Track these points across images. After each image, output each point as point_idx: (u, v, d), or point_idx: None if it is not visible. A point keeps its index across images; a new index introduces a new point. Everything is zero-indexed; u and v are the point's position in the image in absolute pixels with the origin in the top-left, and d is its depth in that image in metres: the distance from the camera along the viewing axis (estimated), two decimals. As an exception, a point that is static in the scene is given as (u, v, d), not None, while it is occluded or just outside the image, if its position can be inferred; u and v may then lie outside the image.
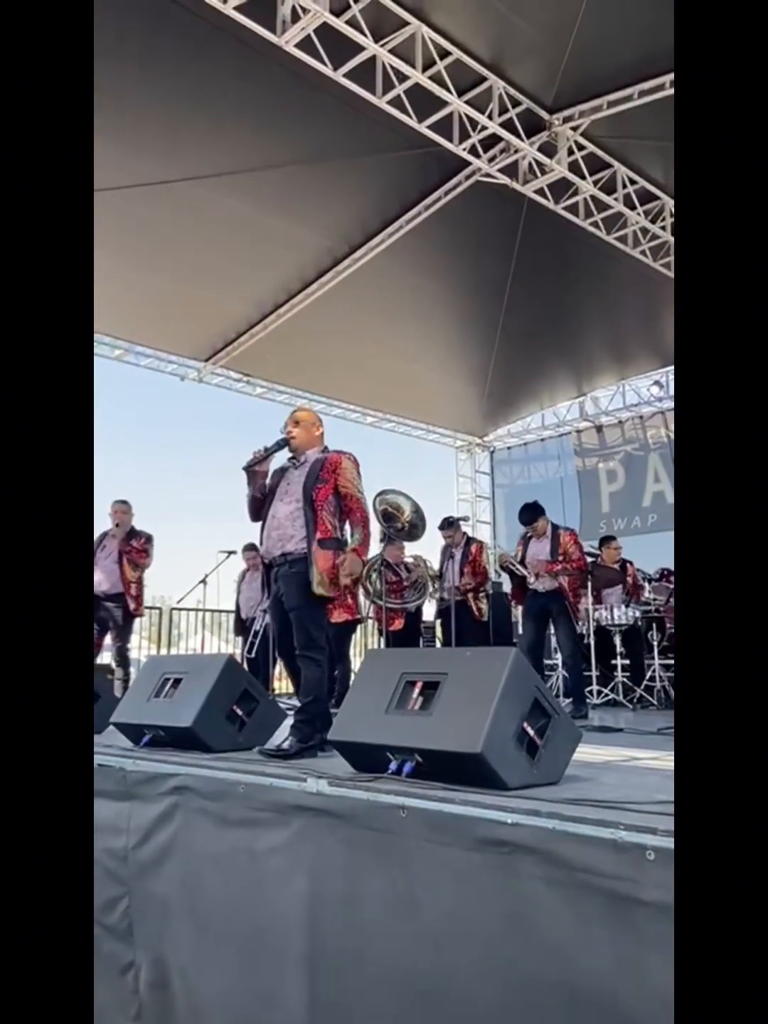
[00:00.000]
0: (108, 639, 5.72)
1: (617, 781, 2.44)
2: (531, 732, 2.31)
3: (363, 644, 9.05)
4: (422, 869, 1.97)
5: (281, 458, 3.60)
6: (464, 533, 6.58)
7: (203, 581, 7.20)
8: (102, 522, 5.86)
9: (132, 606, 5.67)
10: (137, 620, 6.02)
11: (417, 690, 2.49)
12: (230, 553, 7.08)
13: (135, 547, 5.71)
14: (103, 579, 5.57)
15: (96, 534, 5.76)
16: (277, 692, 7.28)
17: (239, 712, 3.25)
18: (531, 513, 5.59)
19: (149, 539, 5.80)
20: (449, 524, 6.44)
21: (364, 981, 2.03)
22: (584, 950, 1.65)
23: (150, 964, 2.68)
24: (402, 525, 5.98)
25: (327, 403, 10.58)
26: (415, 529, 6.01)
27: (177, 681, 3.40)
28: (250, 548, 6.85)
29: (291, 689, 7.63)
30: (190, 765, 2.76)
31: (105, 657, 5.97)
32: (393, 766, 2.33)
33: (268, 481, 3.55)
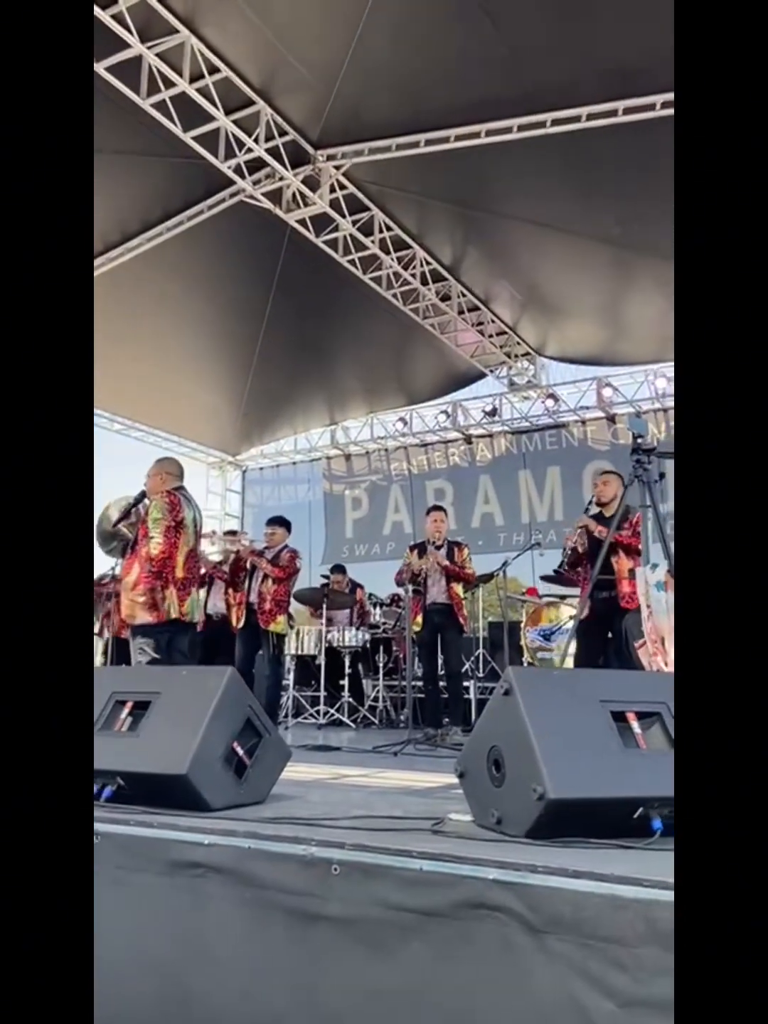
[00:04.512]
0: None
1: (321, 798, 2.52)
2: (241, 752, 2.31)
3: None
4: (106, 899, 1.88)
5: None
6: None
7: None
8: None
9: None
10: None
11: (127, 710, 2.40)
12: None
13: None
14: None
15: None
16: None
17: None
18: (272, 523, 5.91)
19: None
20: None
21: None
22: (262, 972, 1.67)
23: None
24: None
25: (70, 405, 9.95)
26: None
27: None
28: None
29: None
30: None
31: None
32: (92, 791, 2.22)
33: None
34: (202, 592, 6.58)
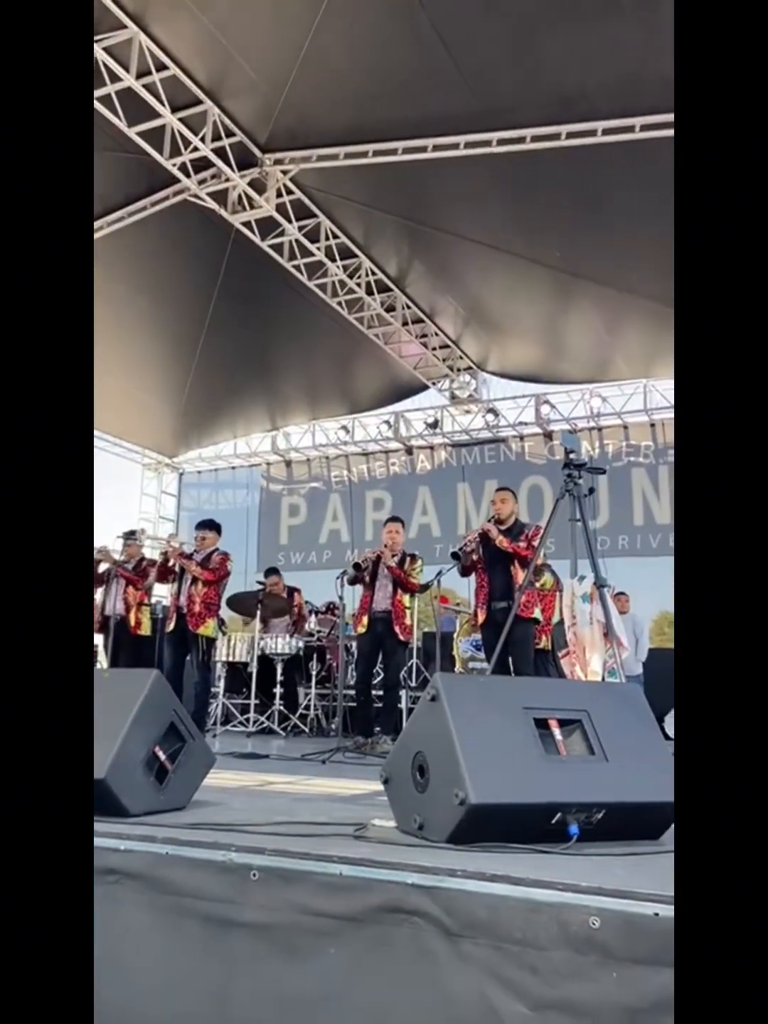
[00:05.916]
0: None
1: (244, 805, 2.49)
2: (163, 757, 2.27)
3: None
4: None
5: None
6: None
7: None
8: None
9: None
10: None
11: (45, 714, 2.34)
12: None
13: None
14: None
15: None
16: None
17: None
18: (202, 527, 5.82)
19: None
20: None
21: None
22: (175, 979, 1.64)
23: None
24: None
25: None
26: None
27: None
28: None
29: None
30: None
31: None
32: (5, 796, 2.14)
33: None
34: (100, 591, 6.34)
